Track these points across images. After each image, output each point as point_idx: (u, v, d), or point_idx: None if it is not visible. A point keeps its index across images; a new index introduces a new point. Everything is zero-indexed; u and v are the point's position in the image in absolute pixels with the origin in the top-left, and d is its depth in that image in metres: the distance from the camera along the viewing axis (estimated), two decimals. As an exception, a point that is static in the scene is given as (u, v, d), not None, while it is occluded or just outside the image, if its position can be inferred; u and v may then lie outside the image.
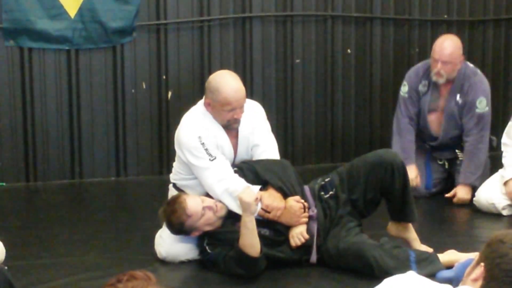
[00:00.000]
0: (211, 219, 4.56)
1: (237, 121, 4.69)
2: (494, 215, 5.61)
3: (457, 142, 6.14)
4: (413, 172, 5.96)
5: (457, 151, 6.15)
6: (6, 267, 3.56)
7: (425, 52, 7.03)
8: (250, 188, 4.51)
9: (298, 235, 4.60)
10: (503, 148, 5.74)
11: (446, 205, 5.98)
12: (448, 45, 5.92)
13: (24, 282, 4.38)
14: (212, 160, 4.60)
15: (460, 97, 5.97)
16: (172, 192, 4.97)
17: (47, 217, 5.74)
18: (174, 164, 4.96)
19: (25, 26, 6.35)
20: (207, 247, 4.57)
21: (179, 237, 4.67)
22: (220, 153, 4.66)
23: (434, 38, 7.11)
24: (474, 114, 5.94)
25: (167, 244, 4.68)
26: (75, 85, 6.55)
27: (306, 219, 4.62)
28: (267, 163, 4.74)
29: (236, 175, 4.64)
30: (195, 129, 4.66)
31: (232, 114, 4.63)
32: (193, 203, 4.53)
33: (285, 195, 4.63)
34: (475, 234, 5.40)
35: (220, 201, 4.58)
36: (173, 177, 4.96)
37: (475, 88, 5.95)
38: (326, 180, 4.78)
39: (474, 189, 5.89)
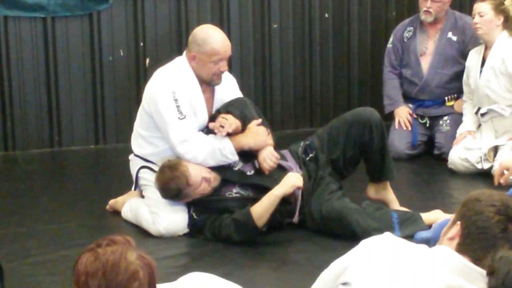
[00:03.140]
0: (206, 189, 4.55)
1: (221, 75, 4.66)
2: (471, 176, 5.65)
3: (444, 91, 6.24)
4: (404, 110, 6.25)
5: (446, 98, 6.24)
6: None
7: (402, 15, 7.02)
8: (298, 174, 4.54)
9: (269, 154, 4.56)
10: (464, 98, 5.99)
11: (424, 168, 6.03)
12: None
13: (5, 250, 4.39)
14: (180, 119, 4.54)
15: (454, 34, 6.22)
16: (135, 163, 4.83)
17: (26, 186, 5.73)
18: (138, 132, 4.81)
19: (0, -6, 6.29)
20: (193, 214, 4.59)
21: (175, 210, 4.59)
22: (191, 113, 4.60)
23: (411, 1, 7.12)
24: None
25: (166, 221, 4.58)
26: (52, 53, 6.50)
27: (271, 141, 4.62)
28: (227, 102, 4.75)
29: (203, 135, 4.59)
30: (170, 83, 4.60)
31: (218, 67, 4.61)
32: (195, 173, 4.49)
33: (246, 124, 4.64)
34: (454, 195, 5.44)
35: (213, 171, 4.55)
36: (138, 150, 4.81)
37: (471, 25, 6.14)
38: (307, 143, 4.82)
39: None
